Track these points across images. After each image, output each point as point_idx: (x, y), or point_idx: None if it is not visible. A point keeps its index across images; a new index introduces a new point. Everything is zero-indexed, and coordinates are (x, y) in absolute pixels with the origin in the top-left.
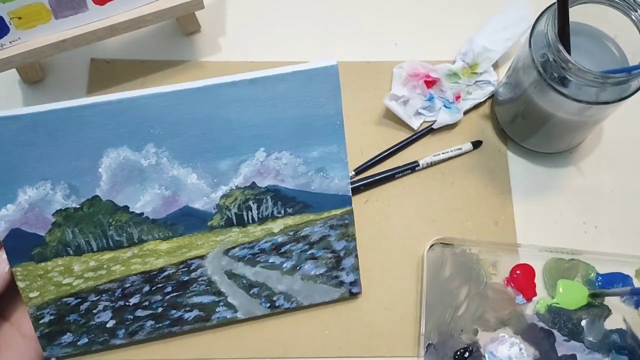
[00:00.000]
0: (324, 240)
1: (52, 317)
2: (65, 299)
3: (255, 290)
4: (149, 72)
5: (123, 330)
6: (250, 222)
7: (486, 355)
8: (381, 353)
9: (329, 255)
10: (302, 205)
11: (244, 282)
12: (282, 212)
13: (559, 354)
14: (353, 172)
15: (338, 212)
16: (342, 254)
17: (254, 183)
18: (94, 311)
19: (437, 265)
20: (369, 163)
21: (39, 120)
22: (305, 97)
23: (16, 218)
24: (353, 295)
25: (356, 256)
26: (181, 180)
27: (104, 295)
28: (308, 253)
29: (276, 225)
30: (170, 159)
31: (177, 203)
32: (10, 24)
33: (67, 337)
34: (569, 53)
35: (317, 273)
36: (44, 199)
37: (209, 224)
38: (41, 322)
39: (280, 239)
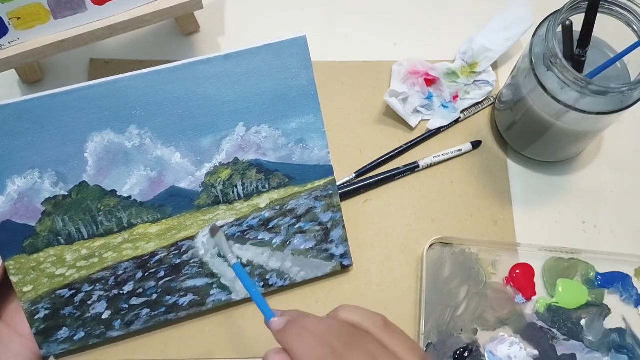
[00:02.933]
0: (310, 213)
1: (47, 312)
2: (59, 291)
3: (247, 269)
4: None
5: (119, 321)
6: (237, 198)
7: (486, 355)
8: None
9: (317, 228)
10: (286, 178)
11: None
12: (267, 186)
13: (559, 353)
14: (354, 175)
15: (321, 182)
16: (329, 225)
17: (236, 158)
18: (89, 302)
19: (436, 265)
20: (370, 166)
21: (24, 109)
22: (277, 70)
23: (6, 210)
24: (344, 268)
25: (343, 227)
26: (165, 160)
27: (97, 284)
28: (296, 227)
29: (262, 200)
30: (153, 139)
31: (164, 184)
32: (10, 24)
33: (64, 332)
34: (588, 45)
35: (307, 247)
36: (32, 188)
37: (196, 203)
38: (36, 317)
39: (267, 214)
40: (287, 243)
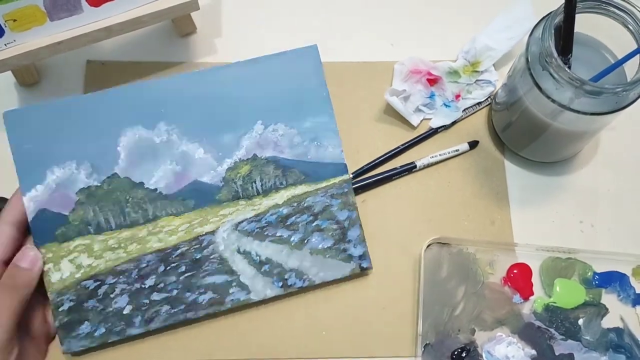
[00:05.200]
0: (327, 211)
1: (71, 304)
2: (84, 282)
3: (266, 267)
4: (144, 74)
5: (139, 317)
6: (255, 194)
7: (483, 355)
8: (379, 353)
9: (334, 226)
10: (302, 175)
11: (255, 258)
12: (284, 182)
13: (557, 353)
14: (351, 175)
15: (336, 180)
16: (346, 224)
17: (255, 155)
18: (112, 295)
19: (434, 265)
20: (367, 167)
21: (65, 107)
22: (292, 74)
23: (44, 198)
24: (363, 271)
25: (360, 227)
26: (190, 155)
27: (121, 277)
28: (313, 225)
29: (280, 197)
30: (179, 135)
31: (187, 177)
32: (5, 26)
33: (85, 327)
34: (570, 47)
35: (325, 246)
36: (69, 178)
37: (217, 197)
38: (61, 309)
39: (285, 211)
40: (305, 241)
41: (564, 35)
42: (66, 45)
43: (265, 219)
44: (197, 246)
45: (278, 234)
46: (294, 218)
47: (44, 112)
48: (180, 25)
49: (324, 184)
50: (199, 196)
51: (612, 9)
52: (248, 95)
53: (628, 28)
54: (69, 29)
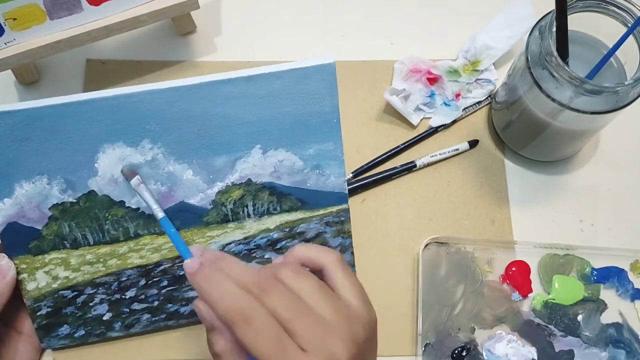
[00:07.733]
0: (319, 237)
1: (49, 309)
2: (62, 292)
3: None
4: (144, 73)
5: (119, 323)
6: (246, 218)
7: (484, 353)
8: (379, 352)
9: None
10: (298, 202)
11: None
12: (278, 208)
13: (556, 350)
14: (351, 175)
15: (334, 209)
16: (338, 250)
17: (249, 180)
18: (91, 304)
19: (432, 265)
20: (367, 166)
21: (36, 115)
22: (301, 94)
23: (13, 212)
24: None
25: (352, 253)
26: (177, 176)
27: (100, 288)
28: None
29: (272, 222)
30: (165, 155)
31: (173, 198)
32: (5, 25)
33: (64, 329)
34: (566, 54)
35: None
36: (40, 193)
37: (205, 219)
38: (38, 314)
39: (275, 235)
40: None
41: (558, 43)
42: (66, 44)
43: (255, 242)
44: (181, 264)
45: (266, 257)
46: (284, 242)
47: (11, 119)
48: (180, 24)
49: (320, 212)
50: (185, 217)
51: (612, 7)
52: (247, 115)
53: (628, 27)
54: (69, 28)
